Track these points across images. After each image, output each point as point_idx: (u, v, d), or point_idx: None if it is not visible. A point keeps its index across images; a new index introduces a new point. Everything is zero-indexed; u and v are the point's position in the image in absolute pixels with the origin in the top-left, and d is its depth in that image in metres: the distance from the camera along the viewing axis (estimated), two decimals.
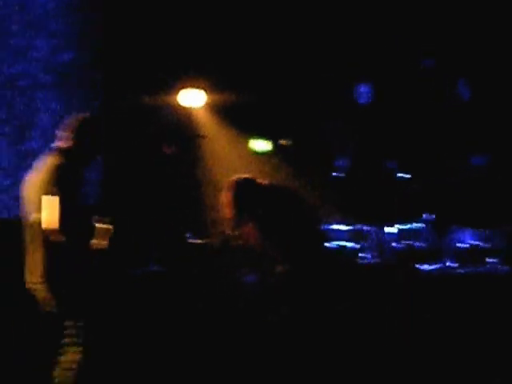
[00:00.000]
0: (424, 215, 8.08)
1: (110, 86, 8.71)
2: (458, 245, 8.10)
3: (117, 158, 8.68)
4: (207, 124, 9.09)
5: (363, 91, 8.56)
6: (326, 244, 7.75)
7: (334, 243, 7.94)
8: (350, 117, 8.61)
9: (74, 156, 5.09)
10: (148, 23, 8.66)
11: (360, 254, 7.99)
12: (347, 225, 8.12)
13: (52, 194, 4.83)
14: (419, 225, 8.06)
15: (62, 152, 5.11)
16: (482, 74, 8.58)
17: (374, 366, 6.00)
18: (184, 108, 8.98)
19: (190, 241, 7.72)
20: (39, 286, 4.96)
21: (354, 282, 7.16)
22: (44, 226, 4.83)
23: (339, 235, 8.02)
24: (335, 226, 8.07)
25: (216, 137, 9.02)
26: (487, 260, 7.94)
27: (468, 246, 8.08)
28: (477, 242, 8.11)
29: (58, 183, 4.89)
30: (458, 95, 8.47)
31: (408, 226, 7.91)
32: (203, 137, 8.86)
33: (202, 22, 8.78)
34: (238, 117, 8.95)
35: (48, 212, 4.79)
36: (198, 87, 8.90)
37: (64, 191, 4.85)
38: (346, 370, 5.82)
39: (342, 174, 8.42)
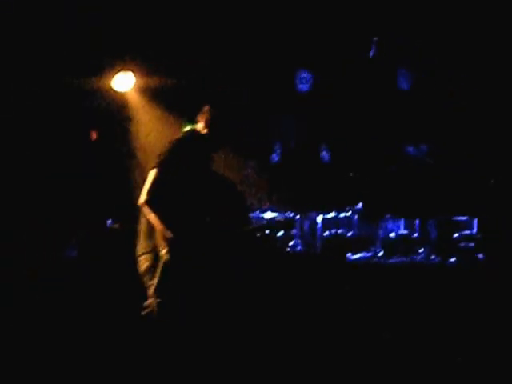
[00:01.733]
0: (355, 204, 8.03)
1: (39, 71, 8.50)
2: (390, 234, 8.12)
3: (44, 142, 8.49)
4: (137, 107, 8.94)
5: (302, 78, 8.47)
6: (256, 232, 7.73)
7: (265, 231, 7.88)
8: (287, 104, 8.53)
9: (203, 140, 5.00)
10: (80, 7, 8.47)
11: (290, 242, 7.95)
12: (278, 212, 8.03)
13: (153, 167, 4.80)
14: (350, 213, 8.01)
15: (188, 134, 5.08)
16: (422, 64, 8.59)
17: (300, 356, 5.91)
18: (114, 92, 8.80)
19: (110, 226, 7.65)
20: (139, 259, 4.90)
21: (282, 269, 7.14)
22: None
23: (270, 223, 7.94)
24: (266, 214, 7.98)
25: (146, 120, 8.87)
26: (418, 250, 7.97)
27: (400, 234, 8.10)
28: (408, 232, 8.13)
29: (161, 156, 4.82)
30: (398, 85, 8.46)
31: (339, 215, 7.86)
32: (132, 120, 8.68)
33: (135, 7, 8.62)
34: (170, 101, 8.82)
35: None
36: (128, 70, 8.73)
37: (163, 165, 4.79)
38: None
39: (275, 161, 8.33)
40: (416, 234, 8.05)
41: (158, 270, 4.76)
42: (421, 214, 8.06)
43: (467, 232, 7.99)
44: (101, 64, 8.66)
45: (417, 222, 8.08)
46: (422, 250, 7.90)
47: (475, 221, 8.04)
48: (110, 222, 7.68)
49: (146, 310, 4.84)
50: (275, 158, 8.38)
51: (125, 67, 8.68)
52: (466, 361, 5.62)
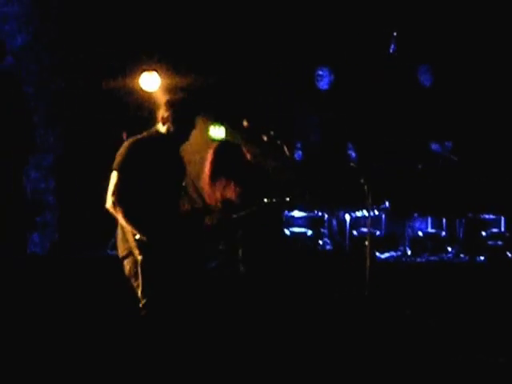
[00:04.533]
0: (384, 202, 8.03)
1: (67, 71, 8.56)
2: (417, 233, 8.13)
3: (75, 143, 8.57)
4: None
5: (324, 76, 8.46)
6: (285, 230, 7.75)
7: (294, 229, 7.90)
8: (312, 101, 8.52)
9: (167, 138, 4.90)
10: (107, 7, 8.52)
11: (319, 241, 7.95)
12: (307, 211, 8.03)
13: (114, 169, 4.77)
14: (378, 212, 8.01)
15: (148, 135, 4.97)
16: (443, 61, 8.55)
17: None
18: (143, 91, 8.82)
19: None
20: (123, 263, 4.89)
21: (311, 268, 7.15)
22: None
23: (299, 221, 7.96)
24: (295, 213, 7.99)
25: None
26: (446, 248, 7.98)
27: (428, 233, 8.11)
28: (436, 231, 8.13)
29: (119, 158, 4.78)
30: (420, 81, 8.42)
31: (367, 213, 7.85)
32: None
33: (162, 6, 8.67)
34: (197, 100, 8.83)
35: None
36: (155, 70, 8.76)
37: (124, 167, 4.73)
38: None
39: (303, 160, 8.32)
40: (444, 233, 8.06)
41: (139, 272, 4.75)
42: (448, 213, 8.06)
43: (495, 230, 7.99)
44: (128, 64, 8.71)
45: (444, 220, 8.10)
46: (450, 249, 7.92)
47: (503, 219, 8.04)
48: None
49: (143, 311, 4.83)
50: (298, 156, 8.36)
51: (151, 67, 8.71)
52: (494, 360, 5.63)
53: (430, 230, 8.12)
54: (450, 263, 7.73)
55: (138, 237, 4.68)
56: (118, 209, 4.69)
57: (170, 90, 8.66)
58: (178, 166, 5.03)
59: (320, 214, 8.05)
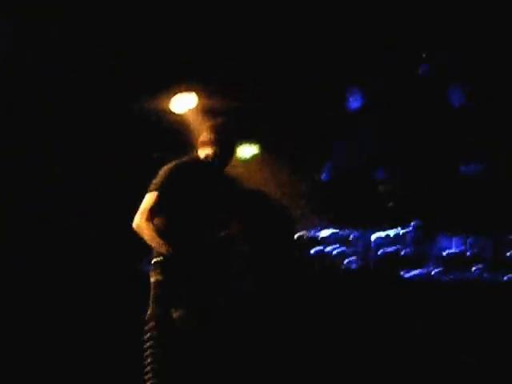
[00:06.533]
0: (410, 221, 8.10)
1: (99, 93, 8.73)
2: (444, 251, 8.16)
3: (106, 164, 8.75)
4: (198, 129, 9.04)
5: (354, 96, 8.54)
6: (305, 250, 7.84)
7: (320, 248, 8.00)
8: (340, 121, 8.60)
9: (208, 165, 4.85)
10: (140, 27, 8.67)
11: (345, 259, 8.04)
12: (333, 229, 8.13)
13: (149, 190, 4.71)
14: (405, 230, 8.08)
15: (191, 156, 4.96)
16: (475, 81, 8.57)
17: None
18: (175, 113, 8.96)
19: None
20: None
21: (336, 286, 7.23)
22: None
23: (324, 240, 8.05)
24: (321, 231, 8.09)
25: None
26: (472, 267, 7.98)
27: (453, 252, 8.13)
28: (462, 249, 8.15)
29: (158, 180, 4.73)
30: (450, 101, 8.45)
31: (394, 232, 7.92)
32: (193, 141, 8.82)
33: (194, 26, 8.79)
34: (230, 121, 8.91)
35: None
36: (188, 91, 8.88)
37: (159, 188, 4.66)
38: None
39: (329, 179, 8.42)
40: (470, 252, 8.07)
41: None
42: (475, 232, 8.09)
43: None
44: (162, 85, 8.87)
45: (471, 239, 8.12)
46: (476, 268, 7.93)
47: None
48: None
49: None
50: (326, 176, 8.46)
51: (186, 88, 8.83)
52: None
53: (456, 249, 8.14)
54: (476, 282, 7.74)
55: (158, 259, 4.61)
56: (144, 226, 4.58)
57: (207, 113, 8.86)
58: (222, 192, 4.90)
59: (346, 232, 8.15)
